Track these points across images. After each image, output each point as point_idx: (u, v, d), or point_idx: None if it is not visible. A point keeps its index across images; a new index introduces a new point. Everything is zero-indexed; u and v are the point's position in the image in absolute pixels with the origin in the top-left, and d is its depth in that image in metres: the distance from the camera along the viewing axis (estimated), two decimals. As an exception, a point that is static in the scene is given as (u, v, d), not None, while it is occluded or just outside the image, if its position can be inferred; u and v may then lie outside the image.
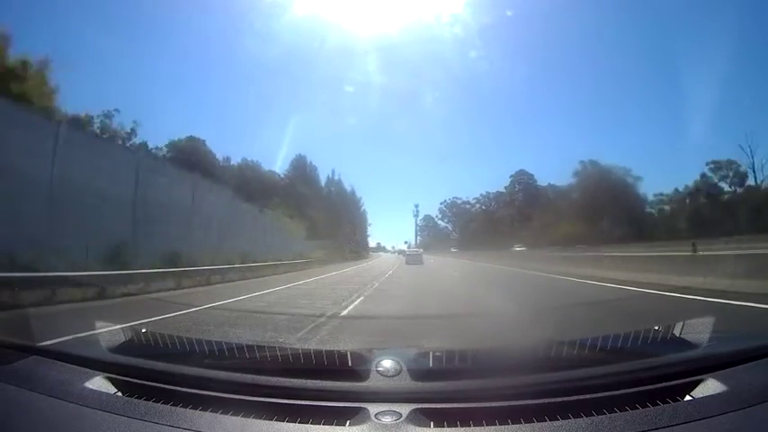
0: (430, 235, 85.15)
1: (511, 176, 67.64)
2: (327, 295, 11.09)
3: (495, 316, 7.44)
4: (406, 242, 78.65)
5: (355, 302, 9.45)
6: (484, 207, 73.10)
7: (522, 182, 67.05)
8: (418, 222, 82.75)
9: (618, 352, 1.61)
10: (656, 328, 1.75)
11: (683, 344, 1.63)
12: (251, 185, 50.51)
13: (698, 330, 1.71)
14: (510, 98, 73.21)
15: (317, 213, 44.49)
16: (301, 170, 51.37)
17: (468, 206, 77.53)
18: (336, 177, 57.62)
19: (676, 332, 1.71)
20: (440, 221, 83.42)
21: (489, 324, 6.60)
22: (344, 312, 7.98)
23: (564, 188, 56.84)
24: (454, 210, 79.77)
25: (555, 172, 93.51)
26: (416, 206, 79.98)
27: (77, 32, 37.91)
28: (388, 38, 38.64)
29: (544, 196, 61.23)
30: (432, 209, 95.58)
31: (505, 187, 68.14)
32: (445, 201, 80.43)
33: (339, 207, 52.73)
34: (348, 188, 60.69)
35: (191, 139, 40.96)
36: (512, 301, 9.57)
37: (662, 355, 1.55)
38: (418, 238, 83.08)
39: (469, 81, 63.02)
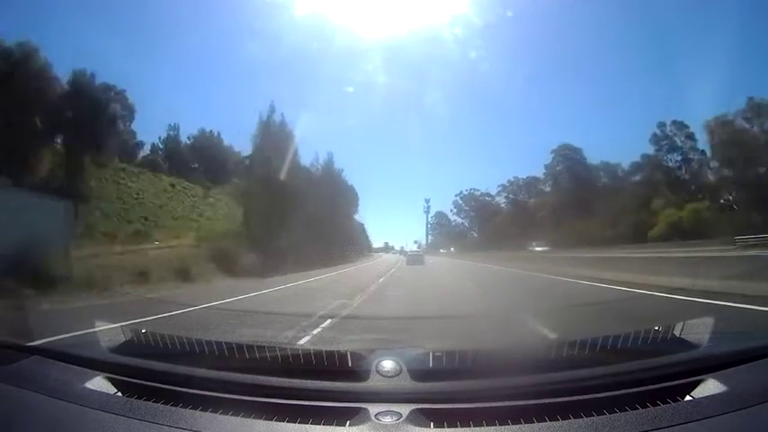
0: (443, 233, 72.71)
1: (552, 152, 49.58)
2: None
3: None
4: (415, 242, 70.93)
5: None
6: (511, 196, 58.66)
7: (569, 157, 48.45)
8: (429, 220, 70.67)
9: (618, 352, 1.61)
10: (657, 328, 1.75)
11: (683, 344, 1.63)
12: (205, 161, 43.13)
13: (698, 330, 1.71)
14: (532, 77, 61.61)
15: (267, 193, 27.06)
16: (268, 137, 31.65)
17: (488, 198, 63.91)
18: (290, 129, 31.86)
19: (676, 332, 1.71)
20: (455, 217, 69.43)
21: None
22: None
23: (628, 166, 41.93)
24: (472, 203, 65.87)
25: (601, 149, 73.10)
26: (427, 201, 68.27)
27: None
28: (396, 34, 37.47)
29: (597, 180, 45.99)
30: (445, 204, 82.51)
31: (545, 165, 51.24)
32: (461, 193, 65.92)
33: (301, 183, 32.04)
34: (315, 151, 40.71)
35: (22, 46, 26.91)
36: None
37: (662, 356, 1.55)
38: (429, 237, 72.15)
39: (482, 65, 50.02)
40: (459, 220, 70.10)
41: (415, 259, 31.67)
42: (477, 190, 66.03)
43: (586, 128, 65.04)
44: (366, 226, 65.78)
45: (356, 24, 40.70)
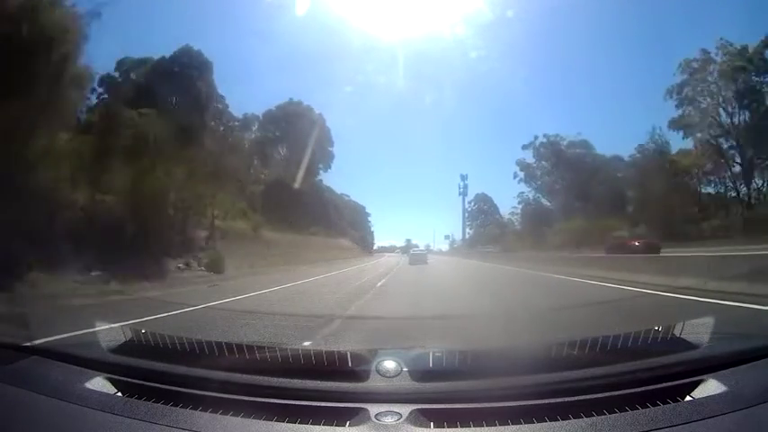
0: (486, 222, 47.08)
1: None
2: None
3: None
4: (447, 237, 54.88)
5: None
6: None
7: None
8: (467, 206, 45.89)
9: (618, 352, 1.61)
10: (657, 328, 1.75)
11: (683, 344, 1.63)
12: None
13: (698, 331, 1.71)
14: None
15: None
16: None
17: (587, 152, 36.30)
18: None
19: (677, 332, 1.71)
20: (523, 186, 39.96)
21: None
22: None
23: None
24: (555, 159, 37.53)
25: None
26: (464, 178, 44.24)
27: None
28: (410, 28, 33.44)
29: None
30: (489, 185, 57.34)
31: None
32: (534, 142, 38.06)
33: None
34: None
35: None
36: None
37: (662, 356, 1.55)
38: (467, 231, 47.86)
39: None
40: (531, 192, 40.27)
41: (417, 259, 30.38)
42: (562, 138, 36.66)
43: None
44: (376, 217, 49.48)
45: (363, 19, 39.17)
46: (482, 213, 48.22)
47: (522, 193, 40.93)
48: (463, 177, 44.42)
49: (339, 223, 39.62)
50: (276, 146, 31.98)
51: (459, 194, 44.97)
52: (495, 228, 45.33)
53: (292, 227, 28.65)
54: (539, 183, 40.01)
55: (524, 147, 39.35)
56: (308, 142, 29.16)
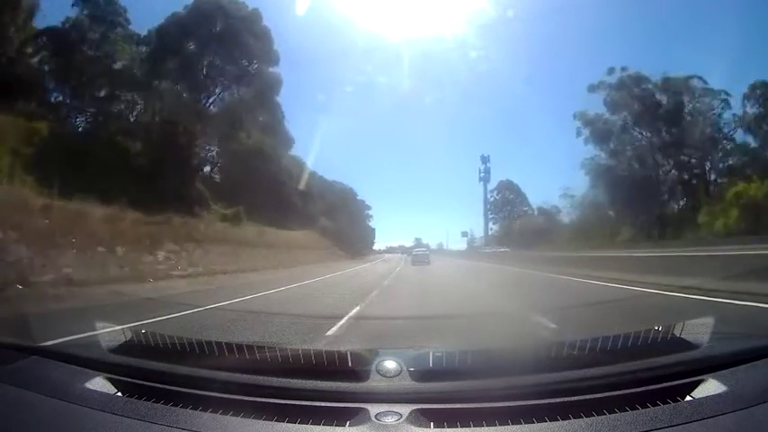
0: (513, 215, 37.49)
1: None
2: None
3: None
4: (464, 234, 47.12)
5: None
6: None
7: None
8: (488, 195, 37.60)
9: (618, 352, 1.61)
10: (657, 328, 1.75)
11: (683, 344, 1.63)
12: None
13: (698, 331, 1.71)
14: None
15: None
16: None
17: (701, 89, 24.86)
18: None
19: (677, 332, 1.71)
20: (595, 149, 28.20)
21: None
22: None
23: None
24: (640, 108, 25.32)
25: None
26: (485, 160, 36.56)
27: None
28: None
29: None
30: (515, 171, 49.83)
31: None
32: (612, 75, 26.19)
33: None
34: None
35: None
36: None
37: (662, 356, 1.55)
38: (491, 226, 39.11)
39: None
40: (604, 158, 27.29)
41: (419, 259, 29.30)
42: (647, 77, 24.75)
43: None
44: (384, 217, 44.27)
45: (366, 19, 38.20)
46: (507, 204, 38.09)
47: (591, 157, 27.27)
48: (484, 159, 35.98)
49: (303, 210, 26.00)
50: (175, 62, 17.63)
51: (480, 180, 36.05)
52: (536, 218, 31.95)
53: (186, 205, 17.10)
54: (613, 145, 26.01)
55: (591, 88, 26.46)
56: (227, 55, 16.95)
